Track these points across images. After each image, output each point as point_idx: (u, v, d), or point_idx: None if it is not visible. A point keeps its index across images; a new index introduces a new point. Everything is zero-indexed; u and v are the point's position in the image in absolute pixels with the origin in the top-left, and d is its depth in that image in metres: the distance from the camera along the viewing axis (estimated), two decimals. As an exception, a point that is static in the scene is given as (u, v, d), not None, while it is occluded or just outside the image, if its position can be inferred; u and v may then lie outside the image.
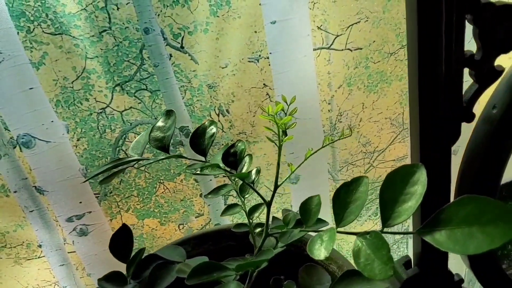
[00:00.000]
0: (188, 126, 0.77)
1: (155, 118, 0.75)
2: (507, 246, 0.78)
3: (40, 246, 0.78)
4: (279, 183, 0.42)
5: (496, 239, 0.29)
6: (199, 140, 0.42)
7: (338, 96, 0.82)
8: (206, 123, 0.43)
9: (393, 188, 0.34)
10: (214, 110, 0.77)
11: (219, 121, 0.78)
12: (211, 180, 0.84)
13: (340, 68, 0.80)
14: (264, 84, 0.78)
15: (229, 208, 0.48)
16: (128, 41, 0.69)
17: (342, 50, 0.79)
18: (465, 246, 0.30)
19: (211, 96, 0.76)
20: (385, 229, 0.34)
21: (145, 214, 0.83)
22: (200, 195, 0.84)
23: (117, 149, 0.76)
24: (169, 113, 0.45)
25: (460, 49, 0.36)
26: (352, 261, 0.60)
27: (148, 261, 0.43)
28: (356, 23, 0.77)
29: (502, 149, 0.40)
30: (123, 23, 0.67)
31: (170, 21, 0.69)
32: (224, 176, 0.85)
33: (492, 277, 0.48)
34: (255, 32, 0.73)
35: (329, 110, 0.83)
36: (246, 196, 0.48)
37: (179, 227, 0.87)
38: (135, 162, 0.45)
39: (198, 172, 0.45)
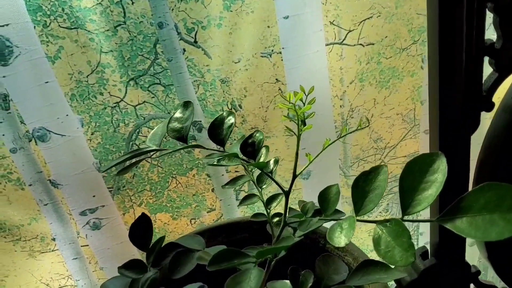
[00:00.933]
0: (201, 121, 0.78)
1: (168, 113, 0.76)
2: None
3: (54, 239, 0.78)
4: (297, 173, 0.42)
5: (518, 225, 0.29)
6: (217, 131, 0.43)
7: (350, 91, 0.83)
8: (224, 113, 0.43)
9: (412, 177, 0.35)
10: (227, 105, 0.78)
11: (231, 116, 0.79)
12: (223, 175, 0.84)
13: (352, 63, 0.80)
14: (276, 79, 0.78)
15: (247, 198, 0.48)
16: (143, 35, 0.69)
17: (355, 45, 0.79)
18: (487, 232, 0.30)
19: (223, 91, 0.77)
20: (405, 217, 0.34)
21: (158, 209, 0.84)
22: (212, 190, 0.85)
23: (131, 143, 0.77)
24: (186, 104, 0.45)
25: (481, 37, 0.36)
26: (368, 254, 0.60)
27: (167, 250, 0.43)
28: (368, 18, 0.77)
29: None
30: (137, 18, 0.68)
31: (184, 16, 0.69)
32: (236, 171, 0.85)
33: (509, 267, 0.48)
34: (268, 27, 0.73)
35: (341, 106, 0.84)
36: (264, 186, 0.48)
37: (191, 221, 0.87)
38: (154, 152, 0.46)
39: (215, 163, 0.45)
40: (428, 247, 0.52)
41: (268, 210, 0.46)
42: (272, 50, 0.75)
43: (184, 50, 0.72)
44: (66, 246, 0.80)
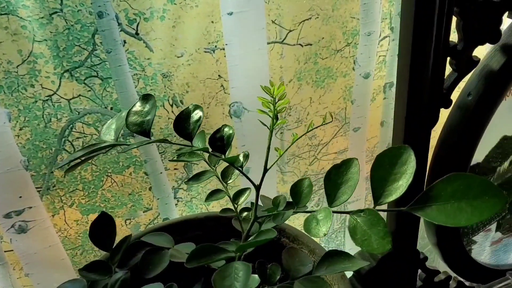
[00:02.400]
0: (140, 117, 0.75)
1: (105, 107, 0.72)
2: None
3: (-28, 246, 0.71)
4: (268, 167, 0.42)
5: (484, 212, 0.32)
6: (183, 124, 0.42)
7: (288, 90, 0.84)
8: (190, 106, 0.42)
9: (383, 169, 0.37)
10: (168, 100, 0.76)
11: (172, 112, 0.77)
12: (161, 173, 0.82)
13: (292, 62, 0.82)
14: (219, 75, 0.77)
15: (213, 193, 0.48)
16: (80, 24, 0.65)
17: (294, 45, 0.81)
18: (457, 219, 0.33)
19: (165, 86, 0.74)
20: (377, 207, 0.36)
21: (90, 209, 0.79)
22: (150, 189, 0.82)
23: (63, 139, 0.72)
24: (146, 97, 0.44)
25: (447, 39, 0.39)
26: (322, 245, 0.62)
27: (135, 249, 0.41)
28: (307, 19, 0.80)
29: (475, 132, 0.44)
30: (75, 6, 0.64)
31: (125, 6, 0.66)
32: (175, 169, 0.83)
33: (455, 255, 0.53)
34: (212, 22, 0.73)
35: (279, 103, 0.85)
36: (230, 181, 0.48)
37: (125, 222, 0.84)
38: (110, 148, 0.43)
39: (175, 158, 0.44)
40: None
41: (236, 205, 0.46)
42: (216, 46, 0.75)
43: (125, 42, 0.69)
44: (-14, 253, 0.73)
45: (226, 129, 0.44)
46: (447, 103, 0.44)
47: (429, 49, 0.38)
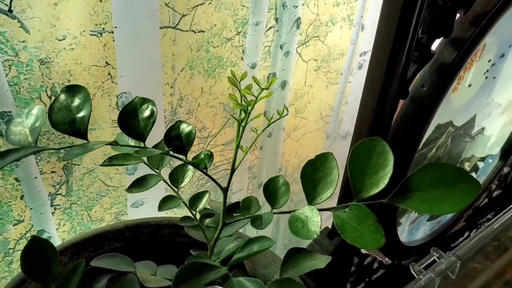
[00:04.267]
0: (10, 112, 0.61)
1: (-36, 101, 0.57)
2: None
3: None
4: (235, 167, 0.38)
5: (465, 197, 0.34)
6: (132, 122, 0.35)
7: (180, 79, 0.79)
8: (136, 100, 0.35)
9: (360, 162, 0.36)
10: (46, 91, 0.64)
11: (51, 105, 0.65)
12: (36, 177, 0.69)
13: (184, 50, 0.77)
14: (106, 62, 0.68)
15: (166, 200, 0.41)
16: None
17: (187, 31, 0.76)
18: (441, 207, 0.34)
19: (43, 74, 0.62)
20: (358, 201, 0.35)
21: None
22: (21, 197, 0.69)
23: None
24: (73, 89, 0.36)
25: (418, 32, 0.40)
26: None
27: (90, 277, 0.33)
28: (201, 4, 0.75)
29: (428, 121, 0.46)
30: None
31: (-7, -26, 0.53)
32: (52, 172, 0.71)
33: (389, 240, 0.55)
34: (100, 1, 0.63)
35: (171, 94, 0.79)
36: (181, 186, 0.41)
37: (-11, 240, 0.69)
38: (30, 154, 0.34)
39: (108, 162, 0.37)
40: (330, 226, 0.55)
41: (194, 212, 0.40)
42: (103, 29, 0.65)
43: (-9, 19, 0.55)
44: None
45: (183, 126, 0.38)
46: (406, 94, 0.46)
47: (406, 42, 0.39)
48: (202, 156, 0.40)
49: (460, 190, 0.34)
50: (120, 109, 0.74)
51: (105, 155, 0.76)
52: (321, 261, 0.40)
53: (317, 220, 0.34)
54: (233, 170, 0.38)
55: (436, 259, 0.61)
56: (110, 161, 0.37)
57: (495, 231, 0.77)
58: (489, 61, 0.66)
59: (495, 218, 0.79)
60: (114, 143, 0.33)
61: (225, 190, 0.38)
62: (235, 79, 0.38)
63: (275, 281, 0.37)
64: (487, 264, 0.83)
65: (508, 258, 0.79)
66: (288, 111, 0.40)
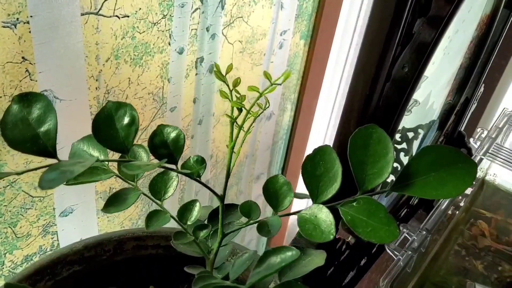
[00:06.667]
0: None
1: None
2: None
3: None
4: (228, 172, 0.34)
5: (465, 177, 0.34)
6: (109, 132, 0.29)
7: (106, 70, 0.71)
8: (109, 105, 0.30)
9: (359, 151, 0.34)
10: (-49, 96, 0.53)
11: (-40, 112, 0.55)
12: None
13: (108, 38, 0.69)
14: (23, 57, 0.59)
15: (152, 217, 0.35)
16: None
17: (111, 16, 0.68)
18: (445, 190, 0.34)
19: None
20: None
21: None
22: None
23: None
24: (27, 97, 0.29)
25: (408, 15, 0.39)
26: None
27: None
28: (124, -14, 0.68)
29: (408, 101, 0.45)
30: None
31: None
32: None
33: None
34: (11, -14, 0.54)
35: (96, 88, 0.71)
36: (166, 198, 0.36)
37: None
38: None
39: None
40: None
41: (184, 226, 0.36)
42: (18, 19, 0.56)
43: None
44: None
45: (167, 130, 0.33)
46: (389, 78, 0.45)
47: (400, 24, 0.37)
48: (192, 162, 0.35)
49: (459, 170, 0.34)
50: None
51: (27, 162, 0.66)
52: (318, 258, 0.38)
53: (329, 219, 0.32)
54: (228, 175, 0.34)
55: (407, 236, 0.63)
56: (76, 179, 0.31)
57: (459, 201, 0.82)
58: (449, 37, 0.68)
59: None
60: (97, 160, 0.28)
61: (221, 198, 0.34)
62: (220, 73, 0.34)
63: (277, 286, 0.35)
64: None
65: (453, 224, 0.84)
66: (269, 103, 0.37)
